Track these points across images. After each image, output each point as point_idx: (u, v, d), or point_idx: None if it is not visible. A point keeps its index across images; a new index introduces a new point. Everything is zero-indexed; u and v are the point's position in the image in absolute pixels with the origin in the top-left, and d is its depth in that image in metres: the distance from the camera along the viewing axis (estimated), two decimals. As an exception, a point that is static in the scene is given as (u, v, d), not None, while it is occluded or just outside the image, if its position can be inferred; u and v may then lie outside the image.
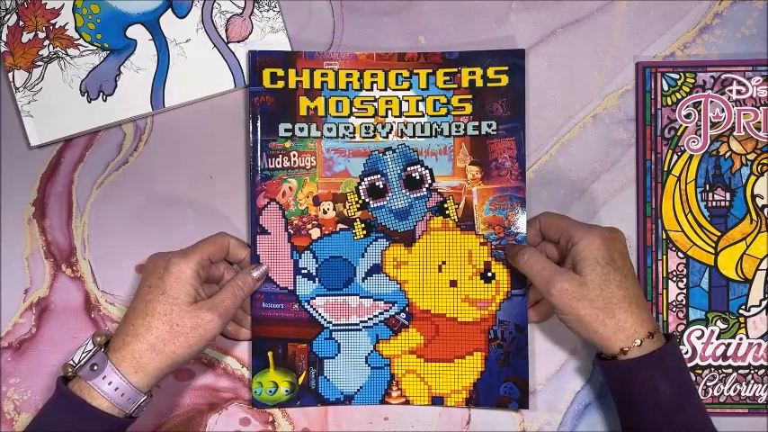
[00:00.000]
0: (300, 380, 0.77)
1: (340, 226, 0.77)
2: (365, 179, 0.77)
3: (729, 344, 0.77)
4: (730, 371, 0.77)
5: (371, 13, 0.80)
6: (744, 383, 0.77)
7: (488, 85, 0.77)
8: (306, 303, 0.77)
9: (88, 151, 0.80)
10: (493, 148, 0.77)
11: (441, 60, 0.77)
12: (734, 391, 0.77)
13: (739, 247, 0.77)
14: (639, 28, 0.79)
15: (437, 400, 0.78)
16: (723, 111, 0.78)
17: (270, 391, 0.77)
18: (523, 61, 0.77)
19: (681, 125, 0.78)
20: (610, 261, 0.68)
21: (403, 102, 0.77)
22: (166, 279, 0.68)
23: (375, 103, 0.77)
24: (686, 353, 0.77)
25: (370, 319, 0.78)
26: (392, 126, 0.78)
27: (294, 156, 0.77)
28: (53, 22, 0.78)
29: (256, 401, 0.77)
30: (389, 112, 0.77)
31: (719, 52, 0.79)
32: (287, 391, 0.77)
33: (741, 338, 0.77)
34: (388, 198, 0.77)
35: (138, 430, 0.76)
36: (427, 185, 0.77)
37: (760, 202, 0.77)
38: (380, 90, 0.77)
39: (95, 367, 0.66)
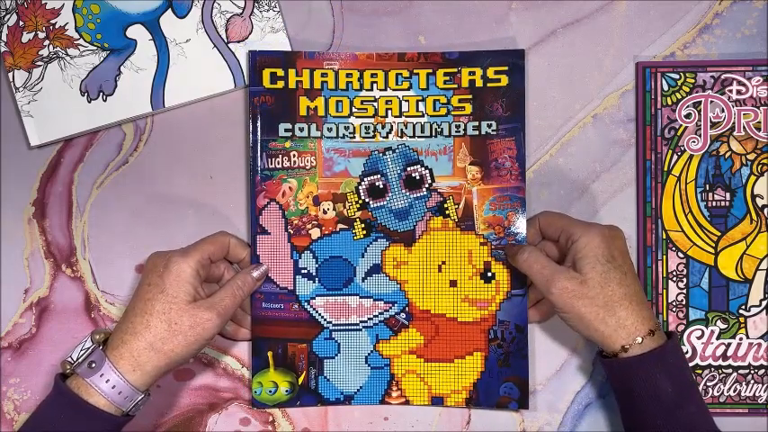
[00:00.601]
0: (300, 380, 0.77)
1: (340, 226, 0.77)
2: (365, 179, 0.77)
3: (729, 344, 0.77)
4: (730, 371, 0.77)
5: (371, 13, 0.80)
6: (744, 383, 0.77)
7: (488, 85, 0.77)
8: (306, 303, 0.77)
9: (88, 151, 0.80)
10: (493, 148, 0.77)
11: (441, 60, 0.77)
12: (734, 391, 0.77)
13: (739, 247, 0.77)
14: (639, 28, 0.79)
15: (437, 401, 0.77)
16: (723, 111, 0.78)
17: (270, 391, 0.77)
18: (523, 61, 0.77)
19: (681, 125, 0.78)
20: (610, 259, 0.68)
21: (403, 102, 0.77)
22: (166, 278, 0.68)
23: (375, 103, 0.77)
24: (686, 353, 0.77)
25: (370, 319, 0.78)
26: (392, 126, 0.78)
27: (294, 156, 0.77)
28: (53, 22, 0.78)
29: (256, 401, 0.77)
30: (389, 112, 0.77)
31: (719, 52, 0.79)
32: (287, 391, 0.77)
33: (741, 338, 0.77)
34: (388, 198, 0.78)
35: (137, 430, 0.76)
36: (427, 185, 0.77)
37: (760, 202, 0.77)
38: (380, 90, 0.77)
39: (93, 365, 0.66)
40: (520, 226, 0.76)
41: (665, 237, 0.77)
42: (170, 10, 0.79)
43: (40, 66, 0.78)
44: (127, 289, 0.79)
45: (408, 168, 0.77)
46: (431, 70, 0.77)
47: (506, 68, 0.77)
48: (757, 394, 0.77)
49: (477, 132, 0.77)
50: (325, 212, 0.77)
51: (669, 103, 0.78)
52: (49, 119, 0.78)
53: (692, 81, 0.78)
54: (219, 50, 0.79)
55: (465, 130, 0.77)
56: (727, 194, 0.77)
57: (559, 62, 0.79)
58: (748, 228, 0.77)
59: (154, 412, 0.78)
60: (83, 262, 0.79)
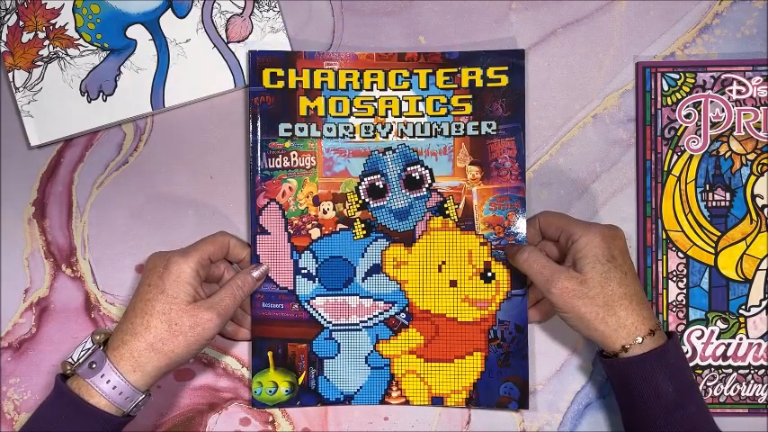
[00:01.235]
0: (300, 380, 0.77)
1: (340, 226, 0.77)
2: (365, 179, 0.77)
3: (729, 344, 0.77)
4: (730, 371, 0.77)
5: (371, 13, 0.80)
6: (744, 383, 0.77)
7: (488, 85, 0.77)
8: (306, 303, 0.77)
9: (88, 151, 0.80)
10: (493, 148, 0.77)
11: (441, 60, 0.77)
12: (734, 391, 0.77)
13: (739, 247, 0.77)
14: (639, 28, 0.79)
15: (437, 401, 0.77)
16: (723, 111, 0.78)
17: (270, 391, 0.77)
18: (523, 61, 0.77)
19: (681, 125, 0.78)
20: (610, 258, 0.68)
21: (403, 102, 0.77)
22: (166, 278, 0.68)
23: (375, 103, 0.77)
24: (686, 353, 0.77)
25: (369, 319, 0.78)
26: (392, 126, 0.78)
27: (294, 156, 0.77)
28: (53, 22, 0.78)
29: (256, 401, 0.77)
30: (389, 112, 0.77)
31: (719, 52, 0.79)
32: (287, 391, 0.77)
33: (741, 338, 0.77)
34: (388, 198, 0.78)
35: (138, 430, 0.76)
36: (427, 185, 0.77)
37: (760, 202, 0.77)
38: (380, 90, 0.77)
39: (94, 365, 0.66)
40: (520, 226, 0.76)
41: (665, 237, 0.77)
42: (170, 10, 0.79)
43: (40, 66, 0.78)
44: (127, 289, 0.79)
45: (408, 168, 0.77)
46: (431, 70, 0.77)
47: (506, 68, 0.77)
48: (757, 394, 0.77)
49: (477, 132, 0.77)
50: (325, 212, 0.77)
51: (669, 103, 0.78)
52: (49, 119, 0.78)
53: (692, 81, 0.78)
54: (219, 50, 0.79)
55: (465, 130, 0.77)
56: (727, 194, 0.77)
57: (559, 62, 0.79)
58: (748, 228, 0.77)
59: (154, 412, 0.78)
60: (83, 262, 0.79)
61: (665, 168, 0.78)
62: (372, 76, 0.77)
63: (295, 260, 0.77)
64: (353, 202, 0.77)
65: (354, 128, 0.77)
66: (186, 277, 0.68)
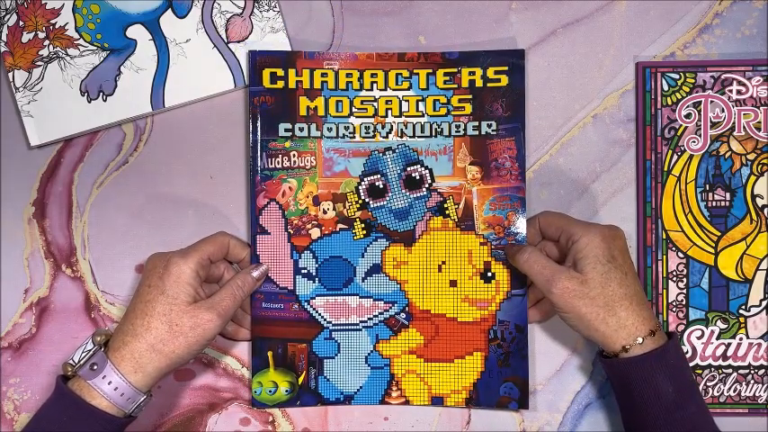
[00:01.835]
0: (300, 380, 0.77)
1: (340, 226, 0.77)
2: (365, 179, 0.77)
3: (729, 344, 0.77)
4: (730, 371, 0.77)
5: (371, 13, 0.80)
6: (744, 383, 0.77)
7: (488, 85, 0.77)
8: (306, 303, 0.77)
9: (88, 151, 0.80)
10: (493, 149, 0.77)
11: (441, 60, 0.77)
12: (734, 391, 0.77)
13: (739, 247, 0.77)
14: (639, 28, 0.79)
15: (437, 401, 0.78)
16: (723, 111, 0.78)
17: (270, 391, 0.77)
18: (523, 61, 0.77)
19: (681, 125, 0.78)
20: (610, 259, 0.68)
21: (403, 102, 0.77)
22: (166, 279, 0.68)
23: (375, 103, 0.77)
24: (686, 353, 0.77)
25: (369, 319, 0.78)
26: (392, 126, 0.78)
27: (294, 156, 0.77)
28: (53, 22, 0.78)
29: (256, 401, 0.77)
30: (389, 112, 0.77)
31: (719, 52, 0.79)
32: (287, 390, 0.77)
33: (741, 338, 0.77)
34: (387, 198, 0.77)
35: (138, 430, 0.76)
36: (427, 185, 0.77)
37: (760, 202, 0.77)
38: (380, 90, 0.77)
39: (95, 367, 0.66)
40: (520, 226, 0.76)
41: (665, 237, 0.77)
42: (170, 10, 0.79)
43: (40, 66, 0.78)
44: (127, 289, 0.79)
45: (408, 168, 0.77)
46: (431, 70, 0.77)
47: (506, 68, 0.77)
48: (757, 394, 0.77)
49: (477, 132, 0.77)
50: (325, 212, 0.77)
51: (669, 103, 0.78)
52: (49, 119, 0.78)
53: (692, 81, 0.78)
54: (219, 50, 0.79)
55: (465, 130, 0.77)
56: (727, 194, 0.77)
57: (559, 62, 0.79)
58: (748, 228, 0.77)
59: (154, 412, 0.78)
60: (83, 262, 0.79)
61: (665, 168, 0.78)
62: (372, 76, 0.77)
63: (295, 260, 0.77)
64: (353, 202, 0.77)
65: (354, 128, 0.77)
66: (186, 278, 0.68)
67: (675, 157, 0.78)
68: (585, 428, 0.79)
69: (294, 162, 0.77)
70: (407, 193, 0.77)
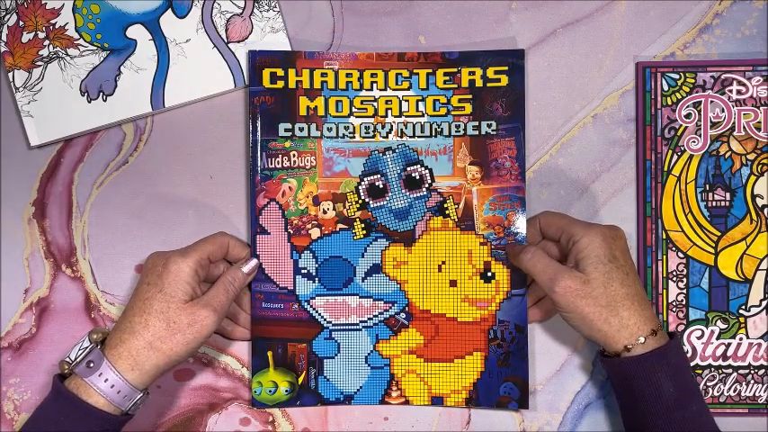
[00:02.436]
0: (300, 380, 0.77)
1: (340, 226, 0.77)
2: (365, 179, 0.77)
3: (729, 344, 0.77)
4: (730, 371, 0.77)
5: (371, 13, 0.80)
6: (744, 383, 0.77)
7: (488, 85, 0.77)
8: (306, 303, 0.77)
9: (88, 151, 0.80)
10: (493, 148, 0.77)
11: (441, 60, 0.77)
12: (734, 391, 0.77)
13: (739, 247, 0.77)
14: (639, 28, 0.79)
15: (437, 401, 0.77)
16: (723, 111, 0.78)
17: (270, 391, 0.77)
18: (523, 61, 0.77)
19: (681, 125, 0.78)
20: (612, 259, 0.68)
21: (403, 102, 0.77)
22: (165, 277, 0.68)
23: (375, 103, 0.77)
24: (686, 353, 0.77)
25: (369, 319, 0.78)
26: (392, 126, 0.78)
27: (294, 156, 0.77)
28: (53, 22, 0.78)
29: (256, 401, 0.77)
30: (389, 111, 0.77)
31: (719, 52, 0.79)
32: (287, 390, 0.77)
33: (741, 338, 0.77)
34: (387, 198, 0.77)
35: (137, 430, 0.76)
36: (427, 185, 0.77)
37: (760, 202, 0.77)
38: (380, 90, 0.77)
39: (92, 364, 0.66)
40: (520, 226, 0.76)
41: (665, 237, 0.77)
42: (170, 10, 0.79)
43: (40, 66, 0.78)
44: (127, 289, 0.79)
45: (408, 168, 0.77)
46: (431, 70, 0.77)
47: (506, 68, 0.77)
48: (757, 394, 0.77)
49: (476, 132, 0.77)
50: (324, 212, 0.77)
51: (669, 103, 0.78)
52: (48, 119, 0.78)
53: (692, 81, 0.78)
54: (219, 50, 0.79)
55: (465, 129, 0.77)
56: (727, 194, 0.77)
57: (559, 62, 0.79)
58: (748, 228, 0.77)
59: (154, 412, 0.78)
60: (83, 262, 0.79)
61: (665, 168, 0.78)
62: (372, 75, 0.77)
63: (295, 260, 0.77)
64: (353, 202, 0.77)
65: (354, 128, 0.77)
66: (185, 276, 0.68)
67: (675, 157, 0.78)
68: (585, 428, 0.78)
69: (294, 162, 0.77)
70: (407, 193, 0.77)
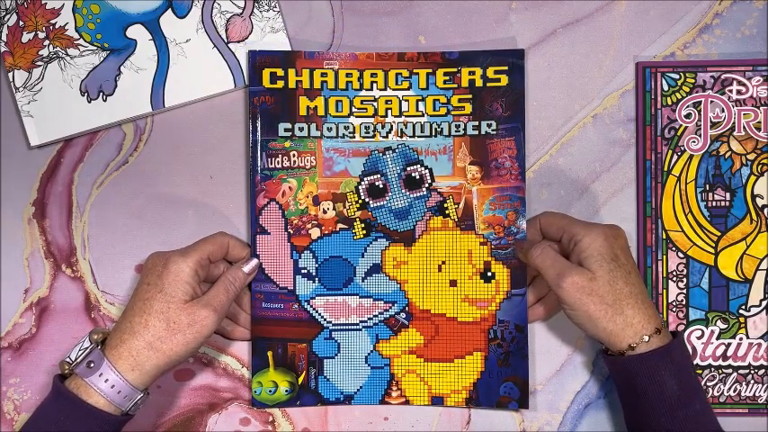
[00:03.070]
0: (300, 380, 0.77)
1: (340, 226, 0.77)
2: (365, 179, 0.77)
3: (729, 344, 0.77)
4: (730, 371, 0.77)
5: (371, 13, 0.80)
6: (744, 383, 0.77)
7: (488, 84, 0.77)
8: (306, 303, 0.77)
9: (88, 151, 0.80)
10: (493, 148, 0.77)
11: (440, 60, 0.77)
12: (734, 391, 0.77)
13: (739, 247, 0.77)
14: (639, 28, 0.79)
15: (437, 401, 0.77)
16: (723, 111, 0.78)
17: (270, 391, 0.77)
18: (523, 61, 0.77)
19: (681, 125, 0.78)
20: (614, 257, 0.69)
21: (403, 101, 0.77)
22: (165, 277, 0.68)
23: (375, 103, 0.77)
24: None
25: (369, 318, 0.78)
26: (392, 126, 0.78)
27: (294, 155, 0.77)
28: (53, 22, 0.78)
29: (256, 401, 0.77)
30: (389, 111, 0.77)
31: (719, 52, 0.79)
32: (287, 390, 0.77)
33: (741, 338, 0.77)
34: (387, 198, 0.78)
35: (137, 430, 0.76)
36: (427, 185, 0.77)
37: (760, 202, 0.77)
38: (380, 90, 0.77)
39: (92, 365, 0.66)
40: (520, 226, 0.76)
41: (665, 237, 0.77)
42: (170, 10, 0.79)
43: (40, 66, 0.78)
44: (127, 289, 0.79)
45: (408, 168, 0.77)
46: (431, 70, 0.77)
47: (506, 68, 0.77)
48: (757, 394, 0.77)
49: (476, 132, 0.77)
50: (324, 212, 0.77)
51: (669, 103, 0.78)
52: (48, 119, 0.78)
53: (692, 81, 0.78)
54: (219, 50, 0.79)
55: (465, 129, 0.77)
56: (727, 194, 0.77)
57: (559, 62, 0.79)
58: (748, 228, 0.77)
59: (154, 412, 0.78)
60: (83, 262, 0.80)
61: (665, 168, 0.78)
62: (372, 75, 0.77)
63: (295, 260, 0.77)
64: (353, 202, 0.77)
65: (354, 128, 0.77)
66: (185, 276, 0.68)
67: (675, 157, 0.78)
68: (585, 428, 0.78)
69: (294, 162, 0.77)
70: (407, 193, 0.77)
